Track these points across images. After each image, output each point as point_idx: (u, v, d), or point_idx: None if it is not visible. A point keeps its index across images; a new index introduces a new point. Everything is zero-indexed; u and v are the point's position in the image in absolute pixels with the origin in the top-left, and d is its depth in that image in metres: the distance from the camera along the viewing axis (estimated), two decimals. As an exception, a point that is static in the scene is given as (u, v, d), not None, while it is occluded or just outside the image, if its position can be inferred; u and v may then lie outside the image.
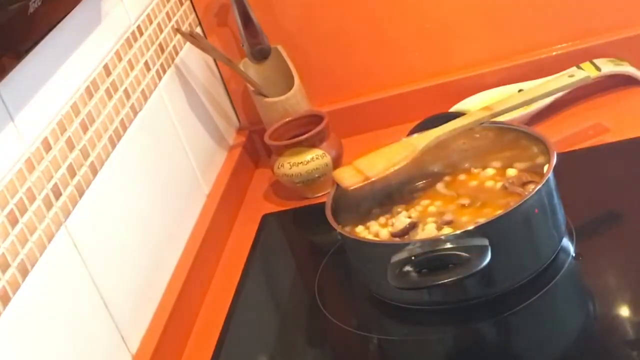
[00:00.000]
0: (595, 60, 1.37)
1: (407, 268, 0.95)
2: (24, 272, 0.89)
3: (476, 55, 1.46)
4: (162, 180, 1.24)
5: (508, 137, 1.13)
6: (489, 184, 1.13)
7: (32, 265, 0.90)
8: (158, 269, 1.17)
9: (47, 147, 0.98)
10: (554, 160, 1.01)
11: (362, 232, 1.12)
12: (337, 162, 1.36)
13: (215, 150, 1.46)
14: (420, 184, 1.18)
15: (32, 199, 0.93)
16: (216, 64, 1.53)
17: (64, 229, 0.97)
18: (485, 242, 0.94)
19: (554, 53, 1.42)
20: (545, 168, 1.03)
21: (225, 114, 1.54)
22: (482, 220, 0.99)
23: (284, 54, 1.47)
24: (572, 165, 1.15)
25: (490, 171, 1.15)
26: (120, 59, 1.18)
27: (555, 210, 1.03)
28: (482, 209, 1.09)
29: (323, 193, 1.35)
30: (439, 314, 1.01)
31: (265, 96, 1.44)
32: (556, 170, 1.01)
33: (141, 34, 1.27)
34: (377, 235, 1.10)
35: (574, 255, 1.04)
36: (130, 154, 1.16)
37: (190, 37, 1.40)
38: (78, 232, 1.00)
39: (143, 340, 1.08)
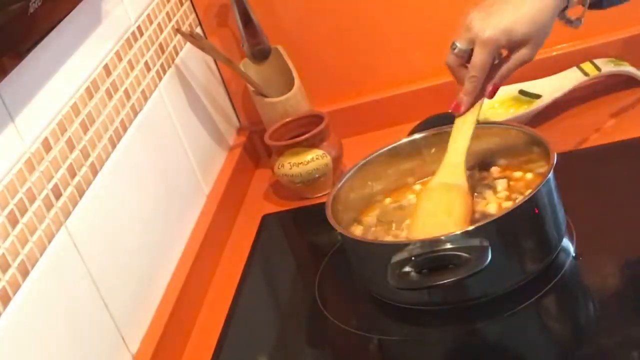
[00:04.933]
0: (595, 60, 1.37)
1: (407, 268, 0.95)
2: (24, 272, 0.89)
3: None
4: (162, 181, 1.24)
5: (508, 137, 1.13)
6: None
7: (32, 266, 0.90)
8: (158, 269, 1.17)
9: (47, 147, 0.98)
10: (554, 160, 1.01)
11: (360, 230, 1.12)
12: (337, 162, 1.36)
13: (215, 150, 1.46)
14: (419, 182, 1.18)
15: (32, 199, 0.93)
16: (216, 64, 1.53)
17: (64, 229, 0.97)
18: (486, 242, 0.94)
19: (554, 53, 1.42)
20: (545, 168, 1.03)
21: (225, 114, 1.54)
22: (482, 221, 0.99)
23: (284, 54, 1.47)
24: (572, 165, 1.15)
25: (494, 170, 1.15)
26: (120, 59, 1.18)
27: (555, 210, 1.03)
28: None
29: (323, 193, 1.35)
30: (439, 314, 1.01)
31: (266, 96, 1.44)
32: (556, 170, 1.01)
33: (141, 34, 1.27)
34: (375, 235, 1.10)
35: (574, 255, 1.04)
36: (131, 154, 1.16)
37: (191, 37, 1.40)
38: (78, 232, 1.00)
39: (143, 340, 1.09)
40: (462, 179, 1.05)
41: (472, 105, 1.05)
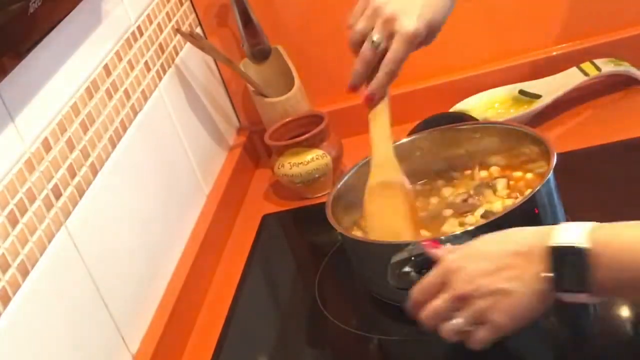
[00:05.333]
0: (595, 60, 1.37)
1: (407, 268, 0.94)
2: (24, 272, 0.89)
3: (476, 55, 1.46)
4: (162, 181, 1.24)
5: (508, 137, 1.13)
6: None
7: (32, 266, 0.90)
8: (158, 269, 1.17)
9: (47, 147, 0.98)
10: (554, 160, 1.01)
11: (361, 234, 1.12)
12: (337, 162, 1.36)
13: (215, 150, 1.46)
14: (420, 183, 1.18)
15: (32, 199, 0.93)
16: (216, 64, 1.53)
17: (64, 229, 0.97)
18: (486, 242, 0.93)
19: (554, 53, 1.42)
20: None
21: (225, 114, 1.54)
22: (482, 221, 0.99)
23: (284, 54, 1.47)
24: (572, 165, 1.15)
25: (494, 169, 1.15)
26: (120, 59, 1.18)
27: (555, 210, 1.03)
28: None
29: (323, 193, 1.35)
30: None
31: (266, 96, 1.44)
32: (556, 170, 1.01)
33: (141, 34, 1.27)
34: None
35: (574, 255, 1.04)
36: (131, 154, 1.16)
37: (191, 37, 1.40)
38: (78, 232, 1.00)
39: (143, 340, 1.09)
40: (397, 173, 1.03)
41: (383, 96, 1.03)
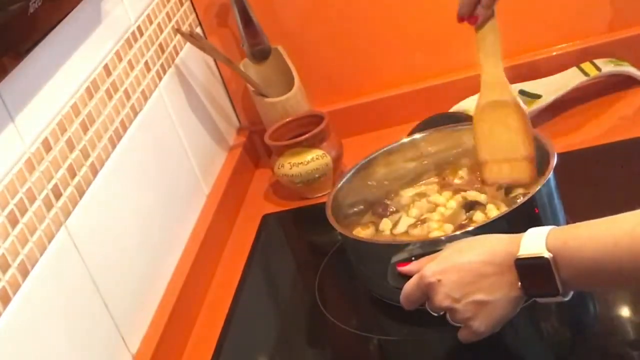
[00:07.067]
0: (595, 60, 1.37)
1: (407, 268, 0.95)
2: (24, 272, 0.89)
3: (476, 55, 1.45)
4: (162, 181, 1.24)
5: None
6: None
7: (32, 266, 0.90)
8: (158, 269, 1.17)
9: (47, 147, 0.98)
10: (554, 160, 1.01)
11: (360, 231, 1.12)
12: (337, 162, 1.36)
13: (215, 150, 1.46)
14: (419, 183, 1.18)
15: (32, 199, 0.93)
16: (216, 64, 1.53)
17: (64, 229, 0.97)
18: (486, 242, 0.93)
19: (554, 53, 1.42)
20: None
21: (225, 114, 1.54)
22: (481, 221, 0.99)
23: (284, 54, 1.47)
24: (572, 165, 1.15)
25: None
26: (120, 59, 1.18)
27: (555, 210, 1.03)
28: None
29: (323, 193, 1.35)
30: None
31: (266, 96, 1.44)
32: (556, 170, 1.01)
33: (141, 34, 1.27)
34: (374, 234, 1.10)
35: (574, 255, 1.04)
36: (131, 154, 1.16)
37: (191, 37, 1.40)
38: (78, 232, 1.00)
39: (143, 340, 1.09)
40: (508, 92, 1.04)
41: (490, 16, 1.03)
